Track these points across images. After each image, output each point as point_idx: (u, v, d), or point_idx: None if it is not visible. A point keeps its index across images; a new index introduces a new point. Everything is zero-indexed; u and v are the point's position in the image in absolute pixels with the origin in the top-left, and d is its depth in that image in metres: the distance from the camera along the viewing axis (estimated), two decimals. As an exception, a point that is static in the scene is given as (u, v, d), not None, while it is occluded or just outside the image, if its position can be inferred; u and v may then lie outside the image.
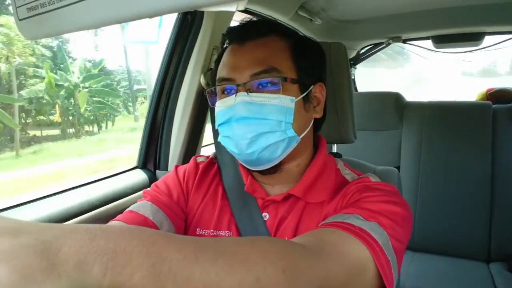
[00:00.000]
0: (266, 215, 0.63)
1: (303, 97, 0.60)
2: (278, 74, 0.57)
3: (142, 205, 0.63)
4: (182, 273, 0.29)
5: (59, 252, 0.25)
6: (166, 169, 1.13)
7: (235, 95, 0.57)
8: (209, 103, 0.64)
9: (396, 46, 2.01)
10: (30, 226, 0.26)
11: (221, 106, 0.60)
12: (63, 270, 0.24)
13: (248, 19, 0.64)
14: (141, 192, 1.00)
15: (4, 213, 0.75)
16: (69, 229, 0.27)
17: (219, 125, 0.61)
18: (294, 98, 0.58)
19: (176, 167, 0.72)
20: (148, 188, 0.69)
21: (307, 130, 0.62)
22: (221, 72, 0.61)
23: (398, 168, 1.65)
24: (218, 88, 0.62)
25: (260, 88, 0.57)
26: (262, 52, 0.59)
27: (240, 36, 0.61)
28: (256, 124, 0.56)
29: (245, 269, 0.32)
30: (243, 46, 0.60)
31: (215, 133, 0.79)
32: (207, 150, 1.32)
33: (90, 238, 0.26)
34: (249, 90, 0.57)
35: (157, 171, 1.14)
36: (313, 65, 0.63)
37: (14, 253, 0.24)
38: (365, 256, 0.44)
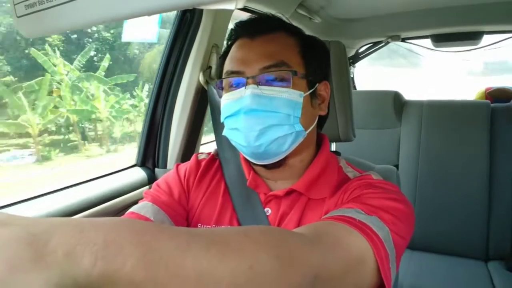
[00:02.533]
0: (268, 210, 0.63)
1: (310, 93, 0.61)
2: (288, 68, 0.58)
3: (143, 206, 0.63)
4: (174, 261, 0.28)
5: (47, 243, 0.25)
6: (165, 167, 1.12)
7: (245, 88, 0.57)
8: (218, 96, 0.64)
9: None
10: (20, 219, 0.27)
11: (229, 98, 0.60)
12: (52, 260, 0.25)
13: (255, 16, 0.65)
14: (140, 190, 1.00)
15: (3, 210, 0.74)
16: (58, 222, 0.28)
17: (226, 117, 0.61)
18: (302, 93, 0.59)
19: (177, 165, 0.72)
20: (147, 186, 0.70)
21: (312, 126, 0.63)
22: (229, 65, 0.61)
23: (396, 166, 1.65)
24: (225, 82, 0.62)
25: (269, 82, 0.58)
26: (273, 46, 0.59)
27: (250, 30, 0.62)
28: (265, 116, 0.57)
29: (238, 257, 0.32)
30: (254, 40, 0.60)
31: (217, 129, 0.79)
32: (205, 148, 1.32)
33: (79, 230, 0.27)
34: (258, 83, 0.57)
35: (156, 169, 1.13)
36: (320, 63, 0.64)
37: (2, 244, 0.24)
38: (365, 247, 0.44)
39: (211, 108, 0.93)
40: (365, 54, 2.03)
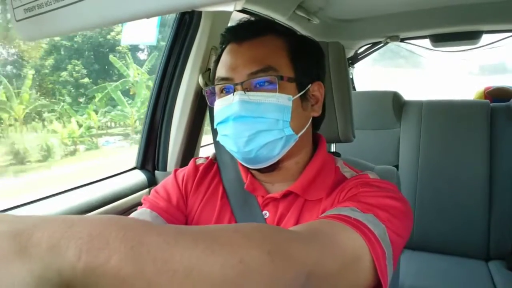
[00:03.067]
0: (266, 213, 0.63)
1: (300, 96, 0.61)
2: (275, 73, 0.58)
3: (141, 213, 0.63)
4: (162, 256, 0.28)
5: (31, 236, 0.26)
6: (165, 169, 1.12)
7: (233, 94, 0.58)
8: (208, 103, 0.64)
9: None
10: (8, 216, 0.28)
11: (219, 105, 0.60)
12: (35, 252, 0.25)
13: (246, 19, 0.65)
14: (140, 192, 1.00)
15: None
16: (46, 218, 0.28)
17: (217, 124, 0.61)
18: (291, 96, 0.58)
19: (175, 170, 0.72)
20: (147, 189, 0.69)
21: (305, 129, 0.63)
22: (220, 71, 0.62)
23: (396, 167, 1.65)
24: (217, 88, 0.62)
25: (258, 87, 0.58)
26: (260, 51, 0.59)
27: (238, 35, 0.62)
28: (253, 122, 0.57)
29: (227, 252, 0.31)
30: (241, 45, 0.60)
31: (214, 133, 0.80)
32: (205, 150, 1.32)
33: (65, 225, 0.27)
34: (246, 89, 0.57)
35: (156, 172, 1.13)
36: (311, 63, 0.64)
37: None
38: (360, 245, 0.44)
39: (210, 111, 0.93)
40: (364, 54, 2.03)
